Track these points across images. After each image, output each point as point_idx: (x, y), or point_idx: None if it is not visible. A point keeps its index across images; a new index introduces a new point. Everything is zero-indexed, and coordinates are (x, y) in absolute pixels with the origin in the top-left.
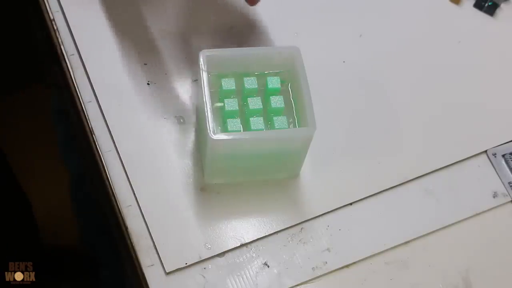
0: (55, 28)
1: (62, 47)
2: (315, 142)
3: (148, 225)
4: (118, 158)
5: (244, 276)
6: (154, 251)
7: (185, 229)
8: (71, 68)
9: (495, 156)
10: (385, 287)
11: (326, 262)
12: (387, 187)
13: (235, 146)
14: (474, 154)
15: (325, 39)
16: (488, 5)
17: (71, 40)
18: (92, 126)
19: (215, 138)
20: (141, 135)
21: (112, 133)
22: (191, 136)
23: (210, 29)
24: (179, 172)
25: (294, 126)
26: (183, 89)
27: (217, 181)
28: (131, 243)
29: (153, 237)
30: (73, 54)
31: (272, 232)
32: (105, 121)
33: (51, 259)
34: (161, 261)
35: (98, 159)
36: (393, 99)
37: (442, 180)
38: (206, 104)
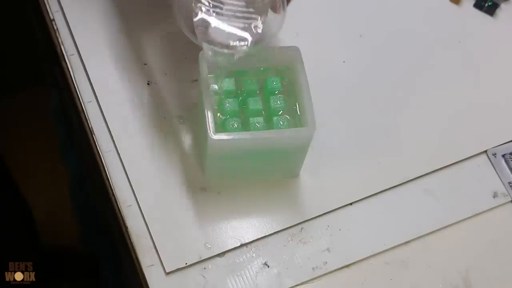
0: (55, 28)
1: (62, 47)
2: (315, 142)
3: (148, 225)
4: (118, 158)
5: (244, 276)
6: (154, 251)
7: (185, 229)
8: (71, 68)
9: (495, 156)
10: (385, 287)
11: (326, 262)
12: (387, 187)
13: (235, 146)
14: (474, 154)
15: (325, 39)
16: (488, 5)
17: (71, 40)
18: (92, 126)
19: (215, 138)
20: (141, 135)
21: (112, 133)
22: (191, 136)
23: None
24: (179, 172)
25: (294, 126)
26: (183, 89)
27: (217, 181)
28: (131, 243)
29: (153, 237)
30: (73, 54)
31: (272, 232)
32: (105, 121)
33: (51, 259)
34: (161, 261)
35: (98, 159)
36: (393, 99)
37: (442, 180)
38: (206, 104)
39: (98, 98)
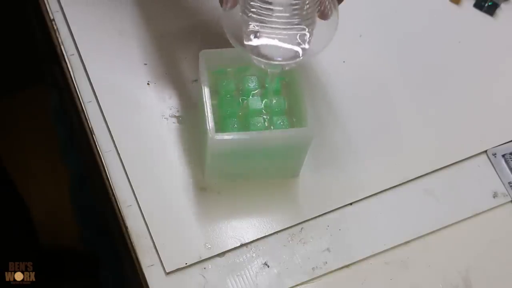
0: (55, 28)
1: (62, 47)
2: (315, 142)
3: (148, 225)
4: (118, 158)
5: (244, 276)
6: (154, 251)
7: (185, 229)
8: (71, 68)
9: (495, 156)
10: (385, 287)
11: (326, 262)
12: (387, 187)
13: (235, 146)
14: (474, 154)
15: None
16: (488, 5)
17: (71, 40)
18: (92, 126)
19: (215, 138)
20: (141, 135)
21: (112, 133)
22: (191, 136)
23: (210, 29)
24: (179, 172)
25: (294, 126)
26: (183, 89)
27: (217, 181)
28: (131, 243)
29: (153, 237)
30: (73, 54)
31: (272, 232)
32: (105, 121)
33: (51, 259)
34: (161, 261)
35: (98, 159)
36: (393, 99)
37: (442, 180)
38: (206, 104)
39: (98, 98)
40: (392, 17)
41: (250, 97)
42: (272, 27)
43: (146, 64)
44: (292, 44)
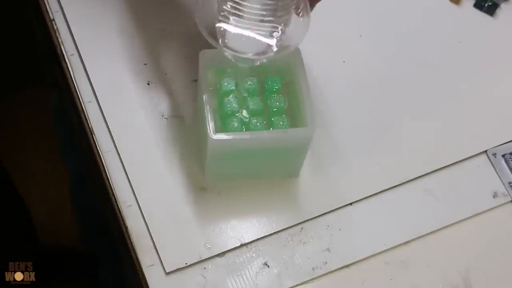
0: (55, 28)
1: (62, 47)
2: (315, 142)
3: (148, 225)
4: (118, 158)
5: (244, 276)
6: (154, 251)
7: (185, 229)
8: (71, 68)
9: (495, 156)
10: (385, 287)
11: (326, 262)
12: (387, 187)
13: (235, 146)
14: (474, 154)
15: (325, 39)
16: (488, 5)
17: (71, 40)
18: (92, 126)
19: (215, 138)
20: (141, 135)
21: (112, 133)
22: (191, 136)
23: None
24: (179, 172)
25: (294, 126)
26: (183, 89)
27: (217, 181)
28: (131, 243)
29: (153, 237)
30: (73, 54)
31: (272, 232)
32: (105, 121)
33: (51, 259)
34: (161, 261)
35: (98, 159)
36: (393, 99)
37: (442, 180)
38: (206, 104)
39: (98, 98)
40: (392, 17)
41: (250, 97)
42: (245, 21)
43: (146, 64)
44: (263, 40)
